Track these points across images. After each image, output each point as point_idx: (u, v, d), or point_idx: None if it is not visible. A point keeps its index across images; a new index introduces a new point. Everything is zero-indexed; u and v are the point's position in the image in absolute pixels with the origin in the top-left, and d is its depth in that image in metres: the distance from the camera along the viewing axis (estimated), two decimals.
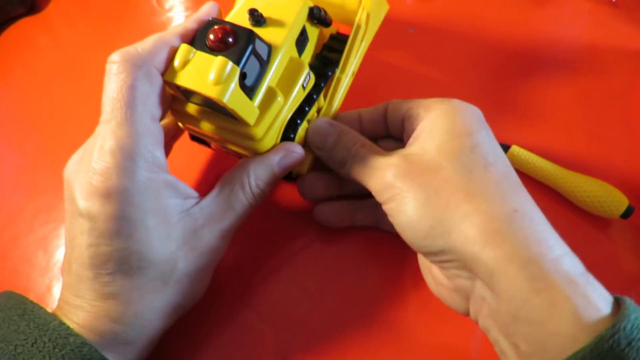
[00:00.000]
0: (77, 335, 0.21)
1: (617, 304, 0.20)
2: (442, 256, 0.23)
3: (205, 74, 0.22)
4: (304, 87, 0.27)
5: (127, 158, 0.21)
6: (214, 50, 0.23)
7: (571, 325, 0.19)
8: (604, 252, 0.30)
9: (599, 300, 0.19)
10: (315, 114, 0.30)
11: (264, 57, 0.24)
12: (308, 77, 0.27)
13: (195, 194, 0.25)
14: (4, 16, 0.45)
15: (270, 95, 0.25)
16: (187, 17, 0.26)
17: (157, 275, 0.22)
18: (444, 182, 0.23)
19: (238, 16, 0.26)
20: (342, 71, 0.31)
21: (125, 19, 0.45)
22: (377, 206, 0.27)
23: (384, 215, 0.26)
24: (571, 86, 0.38)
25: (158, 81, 0.23)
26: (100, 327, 0.22)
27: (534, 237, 0.21)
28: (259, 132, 0.25)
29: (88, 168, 0.21)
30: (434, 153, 0.24)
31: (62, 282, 0.23)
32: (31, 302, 0.23)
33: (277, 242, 0.31)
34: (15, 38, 0.45)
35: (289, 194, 0.33)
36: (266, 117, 0.25)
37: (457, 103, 0.26)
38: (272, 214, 0.32)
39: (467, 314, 0.24)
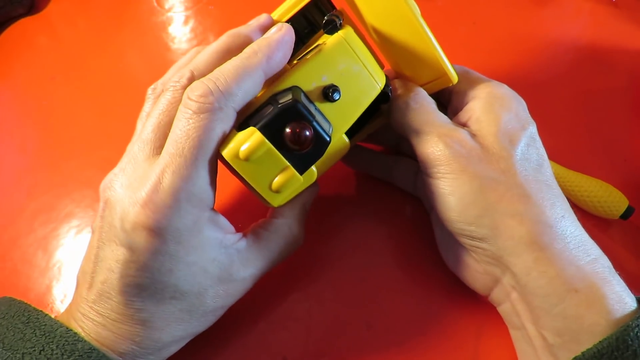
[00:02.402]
0: (84, 341, 0.21)
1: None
2: (480, 243, 0.23)
3: (269, 173, 0.22)
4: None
5: (185, 200, 0.20)
6: (285, 146, 0.22)
7: (606, 320, 0.20)
8: (604, 252, 0.30)
9: (627, 297, 0.21)
10: None
11: (323, 152, 0.23)
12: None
13: (232, 228, 0.25)
14: (4, 16, 0.45)
15: (308, 176, 0.24)
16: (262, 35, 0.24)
17: (186, 307, 0.22)
18: (501, 174, 0.23)
19: (311, 73, 0.23)
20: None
21: (125, 19, 0.45)
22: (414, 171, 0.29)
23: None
24: (571, 86, 0.37)
25: (232, 121, 0.22)
26: (121, 347, 0.22)
27: (574, 242, 0.22)
28: (281, 203, 0.24)
29: (138, 198, 0.20)
30: (492, 140, 0.23)
31: (78, 290, 0.23)
32: (34, 308, 0.22)
33: None
34: (15, 38, 0.45)
35: None
36: (294, 195, 0.25)
37: (507, 90, 0.26)
38: None
39: (486, 294, 0.25)
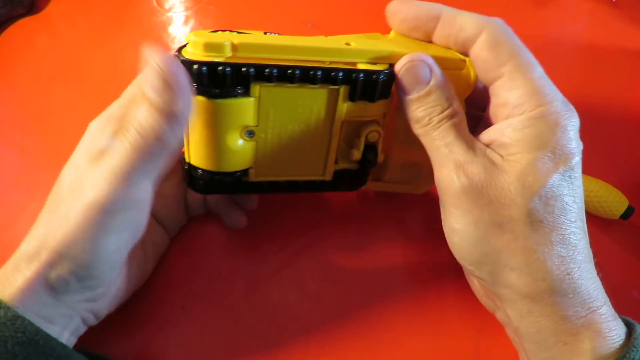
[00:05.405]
0: (8, 307, 0.19)
1: (629, 330, 0.21)
2: (481, 279, 0.23)
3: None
4: None
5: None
6: None
7: None
8: (604, 252, 0.30)
9: (615, 336, 0.21)
10: None
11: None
12: None
13: None
14: (4, 16, 0.45)
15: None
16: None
17: None
18: (509, 222, 0.21)
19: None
20: None
21: (125, 19, 0.45)
22: None
23: None
24: (571, 86, 0.37)
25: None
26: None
27: (575, 299, 0.21)
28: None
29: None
30: (509, 181, 0.21)
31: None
32: None
33: (277, 242, 0.31)
34: (15, 38, 0.45)
35: (289, 194, 0.33)
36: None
37: (557, 110, 0.21)
38: (272, 214, 0.32)
39: (491, 312, 0.26)
